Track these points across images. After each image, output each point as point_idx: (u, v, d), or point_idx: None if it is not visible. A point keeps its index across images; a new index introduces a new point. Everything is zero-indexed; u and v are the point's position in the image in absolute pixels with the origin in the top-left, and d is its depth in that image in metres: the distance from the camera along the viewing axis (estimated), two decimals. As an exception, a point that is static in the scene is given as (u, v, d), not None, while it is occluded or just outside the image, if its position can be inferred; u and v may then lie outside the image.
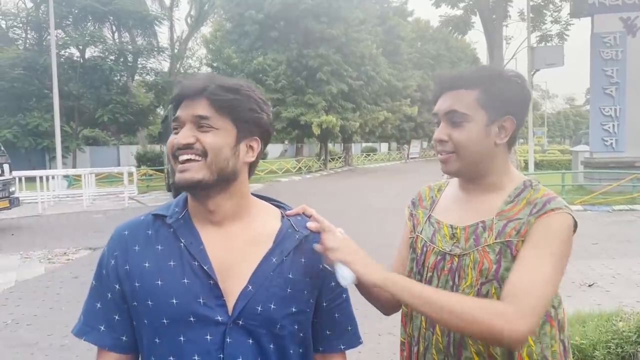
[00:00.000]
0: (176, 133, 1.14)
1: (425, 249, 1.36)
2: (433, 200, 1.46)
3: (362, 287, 1.38)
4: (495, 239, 1.24)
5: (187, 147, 1.11)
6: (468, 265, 1.26)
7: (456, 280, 1.27)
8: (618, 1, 15.22)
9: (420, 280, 1.35)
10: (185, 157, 1.11)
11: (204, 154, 1.11)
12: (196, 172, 1.10)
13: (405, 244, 1.48)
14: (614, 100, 15.36)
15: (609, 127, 15.40)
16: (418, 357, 1.35)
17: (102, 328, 1.18)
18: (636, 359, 3.29)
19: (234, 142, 1.15)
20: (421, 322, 1.33)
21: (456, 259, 1.29)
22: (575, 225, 1.25)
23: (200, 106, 1.12)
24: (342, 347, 1.30)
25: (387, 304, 1.41)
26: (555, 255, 1.19)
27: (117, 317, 1.18)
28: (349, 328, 1.30)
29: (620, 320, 3.63)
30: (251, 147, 1.19)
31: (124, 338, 1.19)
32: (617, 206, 12.89)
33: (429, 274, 1.33)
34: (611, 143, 15.42)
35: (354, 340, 1.32)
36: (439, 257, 1.32)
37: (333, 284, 1.24)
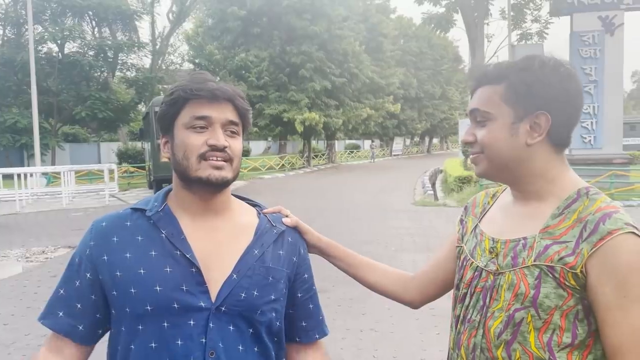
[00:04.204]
0: (199, 131, 1.17)
1: (465, 262, 1.26)
2: (484, 207, 1.33)
3: (371, 286, 1.43)
4: (534, 261, 1.08)
5: (223, 149, 1.17)
6: (502, 285, 1.13)
7: (487, 300, 1.15)
8: (596, 0, 15.44)
9: (457, 296, 1.28)
10: (220, 159, 1.17)
11: (230, 158, 1.18)
12: (227, 172, 1.18)
13: (449, 248, 1.40)
14: (592, 98, 15.58)
15: (588, 125, 15.64)
16: None
17: (61, 314, 1.21)
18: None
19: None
20: (451, 340, 1.28)
21: (491, 276, 1.16)
22: None
23: (229, 111, 1.19)
24: (317, 336, 1.36)
25: (407, 300, 1.44)
26: None
27: (78, 306, 1.20)
28: (320, 318, 1.38)
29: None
30: None
31: (80, 327, 1.21)
32: (595, 202, 13.09)
33: (464, 290, 1.24)
34: (589, 140, 15.67)
35: (325, 329, 1.39)
36: (475, 273, 1.21)
37: (306, 275, 1.33)
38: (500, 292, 1.13)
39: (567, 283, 1.05)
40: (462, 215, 1.39)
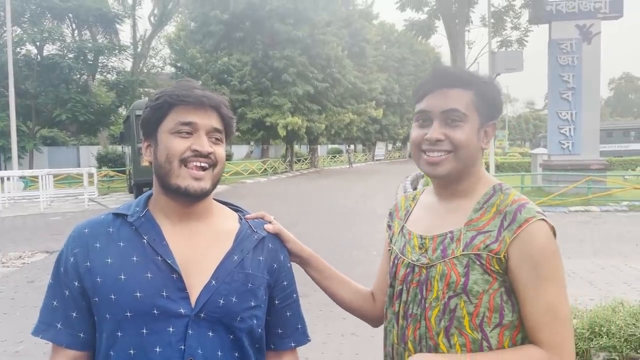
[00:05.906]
0: (184, 137, 1.17)
1: (396, 261, 1.35)
2: (407, 210, 1.44)
3: (340, 302, 1.47)
4: (463, 251, 1.21)
5: (207, 155, 1.18)
6: (434, 277, 1.23)
7: (424, 292, 1.25)
8: (574, 9, 15.73)
9: (392, 293, 1.34)
10: (203, 164, 1.17)
11: (213, 165, 1.20)
12: (206, 182, 1.18)
13: (386, 255, 1.48)
14: (570, 105, 15.86)
15: (566, 131, 15.91)
16: None
17: (59, 326, 1.19)
18: (589, 355, 3.40)
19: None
20: (393, 337, 1.33)
21: (424, 270, 1.26)
22: (553, 228, 1.20)
23: (214, 119, 1.21)
24: (292, 344, 1.36)
25: (371, 317, 1.50)
26: (555, 278, 1.16)
27: (74, 314, 1.19)
28: (299, 326, 1.37)
29: (574, 318, 3.75)
30: None
31: (81, 335, 1.20)
32: (573, 207, 13.33)
33: (399, 287, 1.31)
34: (567, 146, 15.92)
35: (303, 338, 1.38)
36: (408, 269, 1.30)
37: (285, 283, 1.33)
38: (434, 282, 1.23)
39: (492, 268, 1.18)
40: (388, 221, 1.50)
